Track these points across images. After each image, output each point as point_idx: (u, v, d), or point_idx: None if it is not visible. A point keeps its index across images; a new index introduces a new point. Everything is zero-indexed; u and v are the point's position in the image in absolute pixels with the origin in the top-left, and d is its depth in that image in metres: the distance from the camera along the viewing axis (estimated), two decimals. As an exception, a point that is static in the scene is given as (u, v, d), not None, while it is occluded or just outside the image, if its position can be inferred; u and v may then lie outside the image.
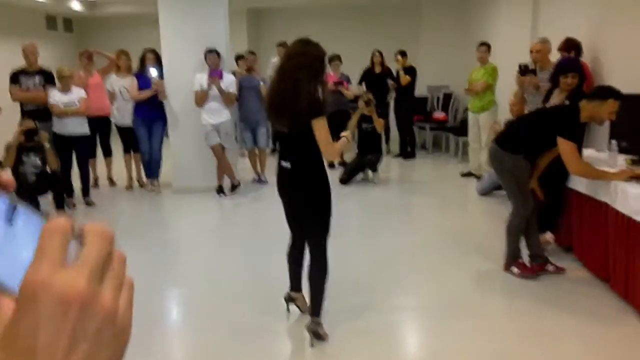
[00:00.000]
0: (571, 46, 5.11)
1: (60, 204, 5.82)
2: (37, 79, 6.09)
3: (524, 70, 5.26)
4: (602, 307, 3.41)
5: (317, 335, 3.07)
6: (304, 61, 2.86)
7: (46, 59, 8.92)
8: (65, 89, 6.07)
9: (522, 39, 6.74)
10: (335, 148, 3.02)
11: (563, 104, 3.75)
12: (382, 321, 3.37)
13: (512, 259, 3.94)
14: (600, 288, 3.66)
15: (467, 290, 3.76)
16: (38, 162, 5.70)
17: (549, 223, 4.28)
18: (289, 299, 3.38)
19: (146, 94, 6.51)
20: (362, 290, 3.82)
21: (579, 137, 3.61)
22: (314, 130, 2.88)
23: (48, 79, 6.15)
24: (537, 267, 3.89)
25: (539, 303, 3.50)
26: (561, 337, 3.11)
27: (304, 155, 2.98)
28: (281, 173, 3.10)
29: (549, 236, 4.31)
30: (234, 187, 6.58)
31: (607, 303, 3.45)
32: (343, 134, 3.12)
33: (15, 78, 6.07)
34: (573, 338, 3.12)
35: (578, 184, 3.91)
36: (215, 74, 6.23)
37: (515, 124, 4.01)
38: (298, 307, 3.39)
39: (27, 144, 5.64)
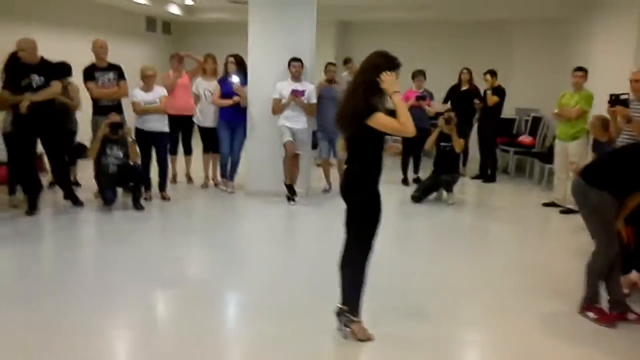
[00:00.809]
0: None
1: (137, 196, 6.06)
2: (111, 74, 6.29)
3: (614, 101, 4.85)
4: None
5: (349, 328, 3.19)
6: (369, 75, 2.97)
7: (145, 59, 9.43)
8: (148, 88, 6.31)
9: (622, 67, 6.26)
10: (404, 120, 2.92)
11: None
12: (435, 351, 3.19)
13: (590, 302, 3.62)
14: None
15: (533, 332, 3.48)
16: (120, 154, 5.96)
17: (635, 263, 3.90)
18: (340, 313, 3.28)
19: (226, 102, 6.69)
20: (420, 317, 3.65)
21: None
22: (376, 127, 2.93)
23: (120, 73, 6.36)
24: (617, 316, 3.54)
25: (613, 356, 3.18)
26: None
27: (356, 161, 3.04)
28: (342, 177, 3.27)
29: (634, 276, 3.91)
30: (293, 193, 6.55)
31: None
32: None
33: (90, 74, 6.25)
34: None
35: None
36: (297, 93, 6.30)
37: (605, 157, 3.68)
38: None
39: (111, 136, 5.92)
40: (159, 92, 6.39)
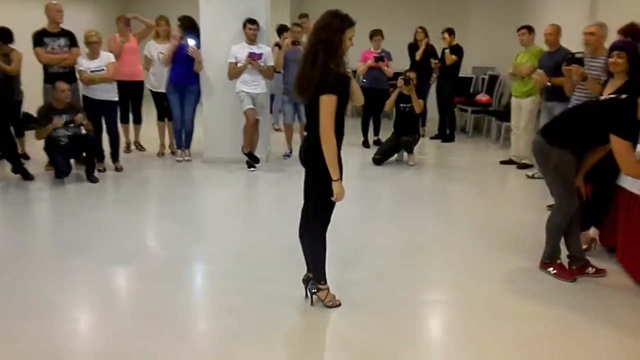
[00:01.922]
0: (635, 32, 4.71)
1: (91, 167, 5.83)
2: (62, 40, 5.98)
3: (570, 60, 4.90)
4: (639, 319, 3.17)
5: (316, 295, 3.20)
6: (325, 34, 2.84)
7: (90, 23, 8.94)
8: (93, 55, 5.99)
9: (578, 24, 6.30)
10: (331, 132, 2.84)
11: (618, 98, 3.43)
12: (405, 315, 3.20)
13: (550, 258, 3.70)
14: (642, 297, 3.41)
15: (498, 289, 3.55)
16: (70, 125, 5.70)
17: (593, 219, 3.99)
18: (307, 280, 3.26)
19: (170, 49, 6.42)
20: (386, 280, 3.66)
21: (634, 135, 3.31)
22: (319, 105, 2.83)
23: (73, 40, 6.04)
24: (576, 271, 3.64)
25: (573, 310, 3.26)
26: (593, 350, 2.90)
27: (317, 127, 2.88)
28: (301, 145, 3.16)
29: (592, 232, 3.99)
30: (255, 161, 6.43)
31: (648, 315, 3.21)
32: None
33: (39, 39, 5.92)
34: (605, 352, 2.91)
35: (629, 182, 3.61)
36: (254, 57, 6.10)
37: (565, 116, 3.70)
38: None
39: (59, 106, 5.64)
40: (105, 58, 6.06)
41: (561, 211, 3.59)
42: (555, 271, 3.67)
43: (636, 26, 4.77)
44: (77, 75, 5.99)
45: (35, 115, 7.77)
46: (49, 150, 5.76)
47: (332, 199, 2.96)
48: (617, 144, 3.21)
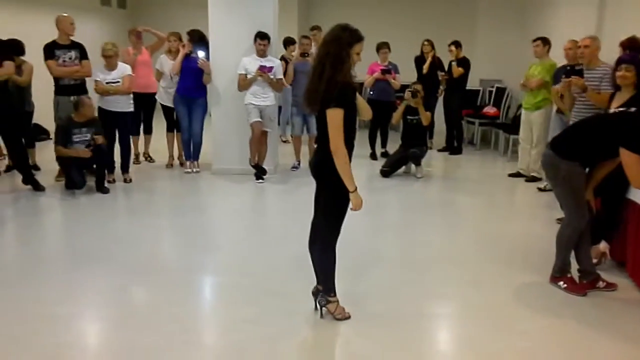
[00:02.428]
0: (634, 46, 4.75)
1: (102, 178, 5.87)
2: (72, 53, 6.02)
3: (569, 72, 4.93)
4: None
5: (326, 308, 3.20)
6: (333, 48, 2.86)
7: (99, 35, 9.04)
8: (110, 67, 6.05)
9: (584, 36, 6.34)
10: (340, 145, 2.86)
11: (628, 111, 3.43)
12: (414, 328, 3.20)
13: (561, 272, 3.69)
14: (653, 312, 3.39)
15: (506, 303, 3.54)
16: (88, 136, 5.76)
17: (603, 233, 3.97)
18: (316, 293, 3.26)
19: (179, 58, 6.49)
20: (395, 292, 3.65)
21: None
22: (327, 118, 2.86)
23: (83, 52, 6.10)
24: (587, 285, 3.62)
25: (583, 325, 3.25)
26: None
27: (327, 139, 2.90)
28: (311, 158, 3.19)
29: (603, 246, 3.98)
30: (262, 172, 6.46)
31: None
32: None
33: (50, 52, 5.96)
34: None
35: (639, 195, 3.61)
36: (265, 69, 6.15)
37: (574, 129, 3.71)
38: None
39: (79, 119, 5.72)
40: (122, 70, 6.11)
41: (571, 225, 3.58)
42: (565, 285, 3.65)
43: (637, 40, 4.79)
44: (93, 86, 6.02)
45: (44, 127, 7.90)
46: (63, 162, 5.80)
47: (351, 209, 2.98)
48: (627, 157, 3.21)
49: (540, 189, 6.28)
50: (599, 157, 3.52)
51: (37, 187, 5.84)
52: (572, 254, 3.68)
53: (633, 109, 3.41)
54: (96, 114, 6.00)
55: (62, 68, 5.94)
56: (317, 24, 8.31)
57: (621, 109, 3.59)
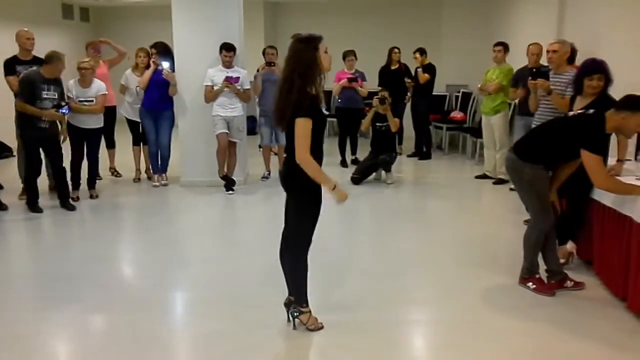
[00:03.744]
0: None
1: (64, 196, 5.73)
2: (35, 68, 5.86)
3: (535, 74, 5.02)
4: (617, 331, 3.20)
5: (298, 319, 3.17)
6: (298, 63, 2.86)
7: (62, 49, 8.82)
8: (85, 84, 5.89)
9: (546, 41, 6.47)
10: (307, 156, 2.86)
11: (587, 113, 3.51)
12: (387, 336, 3.19)
13: (529, 273, 3.74)
14: (618, 308, 3.45)
15: (479, 306, 3.57)
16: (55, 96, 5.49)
17: (570, 234, 4.05)
18: (289, 304, 3.24)
19: (146, 76, 6.38)
20: (368, 300, 3.64)
21: (604, 149, 3.39)
22: (295, 127, 2.85)
23: None
24: (555, 285, 3.68)
25: (553, 324, 3.29)
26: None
27: (294, 156, 2.90)
28: (281, 168, 3.17)
29: (570, 246, 4.05)
30: (232, 184, 6.43)
31: (623, 327, 3.24)
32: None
33: (11, 68, 5.81)
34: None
35: (603, 195, 3.67)
36: (232, 80, 6.12)
37: (535, 132, 3.78)
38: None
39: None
40: (97, 89, 5.95)
41: (537, 226, 3.64)
42: (534, 286, 3.70)
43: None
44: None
45: (7, 144, 7.68)
46: (24, 134, 5.54)
47: (337, 203, 3.01)
48: (588, 158, 3.28)
49: (512, 189, 6.37)
50: (561, 159, 3.58)
51: (0, 206, 5.67)
52: (540, 254, 3.74)
53: (591, 111, 3.48)
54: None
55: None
56: (296, 33, 8.30)
57: (580, 111, 3.67)
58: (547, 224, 3.60)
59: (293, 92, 2.84)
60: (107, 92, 6.11)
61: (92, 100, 5.90)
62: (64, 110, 5.55)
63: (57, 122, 5.60)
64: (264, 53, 7.65)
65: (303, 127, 2.84)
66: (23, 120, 5.46)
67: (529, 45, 6.07)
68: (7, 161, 6.71)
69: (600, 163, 3.29)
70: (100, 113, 6.04)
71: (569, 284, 3.71)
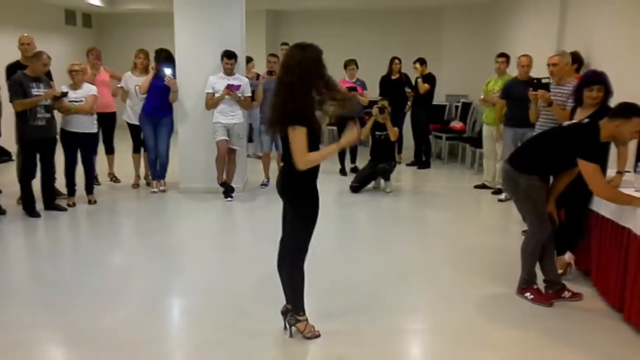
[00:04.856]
0: (578, 60, 5.03)
1: (50, 199, 5.77)
2: (18, 72, 5.76)
3: (535, 85, 5.04)
4: (614, 343, 3.19)
5: (295, 327, 3.16)
6: (297, 73, 2.83)
7: (64, 54, 8.89)
8: (75, 85, 5.92)
9: (546, 51, 6.50)
10: (308, 157, 2.86)
11: (581, 122, 3.51)
12: (384, 345, 3.18)
13: (527, 283, 3.73)
14: (615, 320, 3.44)
15: (476, 316, 3.56)
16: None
17: (568, 244, 4.04)
18: (285, 312, 3.22)
19: (146, 81, 6.40)
20: (365, 309, 3.63)
21: (601, 157, 3.39)
22: (289, 138, 2.85)
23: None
24: (553, 295, 3.67)
25: (551, 335, 3.28)
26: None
27: (292, 163, 2.90)
28: (278, 177, 3.13)
29: (568, 256, 4.06)
30: (231, 191, 6.42)
31: (619, 339, 3.23)
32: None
33: (13, 73, 5.74)
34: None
35: (601, 206, 3.67)
36: (233, 88, 6.14)
37: (531, 143, 3.78)
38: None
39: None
40: (86, 90, 5.97)
41: (534, 237, 3.63)
42: (532, 296, 3.69)
43: (579, 55, 5.15)
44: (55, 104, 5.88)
45: (6, 148, 7.69)
46: (24, 136, 5.56)
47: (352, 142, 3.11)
48: (585, 167, 3.29)
49: (500, 200, 6.38)
50: (557, 169, 3.59)
51: (-3, 211, 5.68)
52: (538, 265, 3.73)
53: (586, 120, 3.49)
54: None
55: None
56: (286, 41, 8.33)
57: (574, 121, 3.68)
58: (544, 233, 3.59)
59: (290, 103, 2.83)
60: (97, 94, 6.07)
61: (82, 101, 5.90)
62: (64, 89, 5.69)
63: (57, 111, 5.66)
64: (248, 61, 7.69)
65: (298, 134, 2.82)
66: (22, 122, 5.48)
67: (519, 57, 6.08)
68: (5, 165, 6.70)
69: (598, 171, 3.29)
70: (89, 113, 5.99)
71: (566, 294, 3.70)
